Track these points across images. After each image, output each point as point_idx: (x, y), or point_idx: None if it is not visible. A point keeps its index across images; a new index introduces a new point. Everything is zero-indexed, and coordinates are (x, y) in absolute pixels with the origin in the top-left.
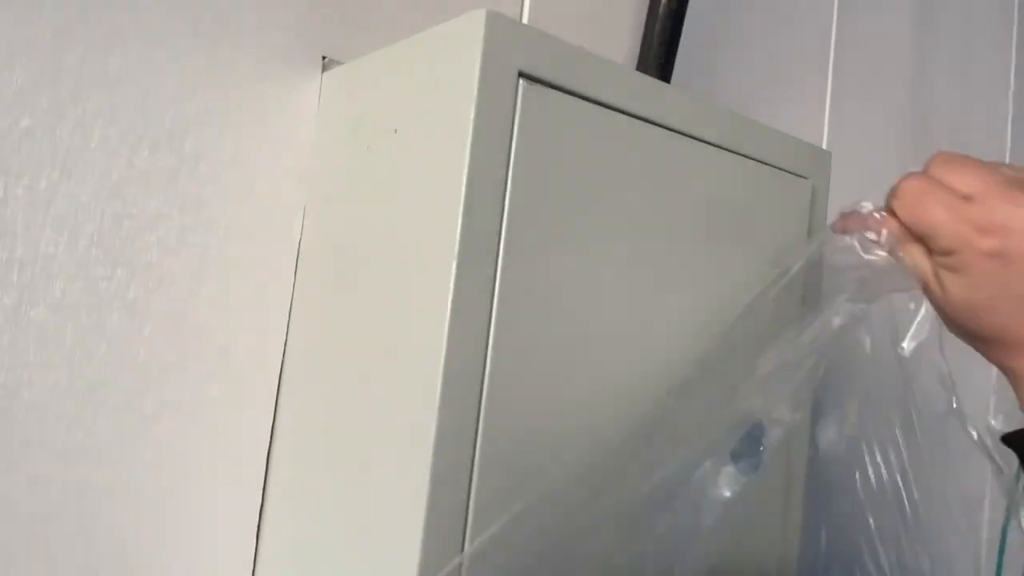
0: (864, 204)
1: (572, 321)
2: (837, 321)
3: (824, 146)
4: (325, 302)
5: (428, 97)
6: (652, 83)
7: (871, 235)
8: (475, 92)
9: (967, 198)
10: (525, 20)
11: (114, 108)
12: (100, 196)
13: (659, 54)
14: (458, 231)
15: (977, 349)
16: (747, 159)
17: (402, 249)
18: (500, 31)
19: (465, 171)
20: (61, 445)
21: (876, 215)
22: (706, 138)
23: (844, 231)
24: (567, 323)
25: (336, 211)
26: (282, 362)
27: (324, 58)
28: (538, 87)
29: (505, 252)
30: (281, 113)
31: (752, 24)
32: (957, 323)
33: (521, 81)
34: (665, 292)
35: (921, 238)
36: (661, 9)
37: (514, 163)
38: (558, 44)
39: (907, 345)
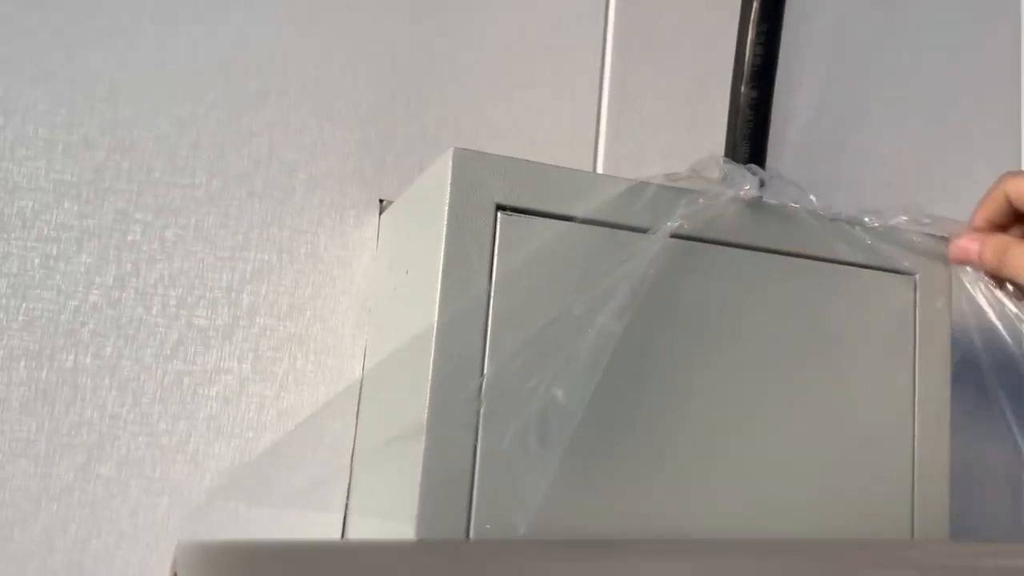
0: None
1: None
2: None
3: None
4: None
5: (423, 237)
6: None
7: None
8: (444, 230)
9: None
10: (603, 131)
11: (172, 275)
12: (161, 356)
13: (744, 150)
14: (429, 372)
15: None
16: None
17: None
18: (470, 166)
19: (436, 306)
20: None
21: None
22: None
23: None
24: None
25: (381, 352)
26: (345, 509)
27: (382, 201)
28: (518, 217)
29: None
30: (338, 258)
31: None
32: None
33: (499, 214)
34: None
35: None
36: (742, 100)
37: (496, 294)
38: (539, 170)
39: None
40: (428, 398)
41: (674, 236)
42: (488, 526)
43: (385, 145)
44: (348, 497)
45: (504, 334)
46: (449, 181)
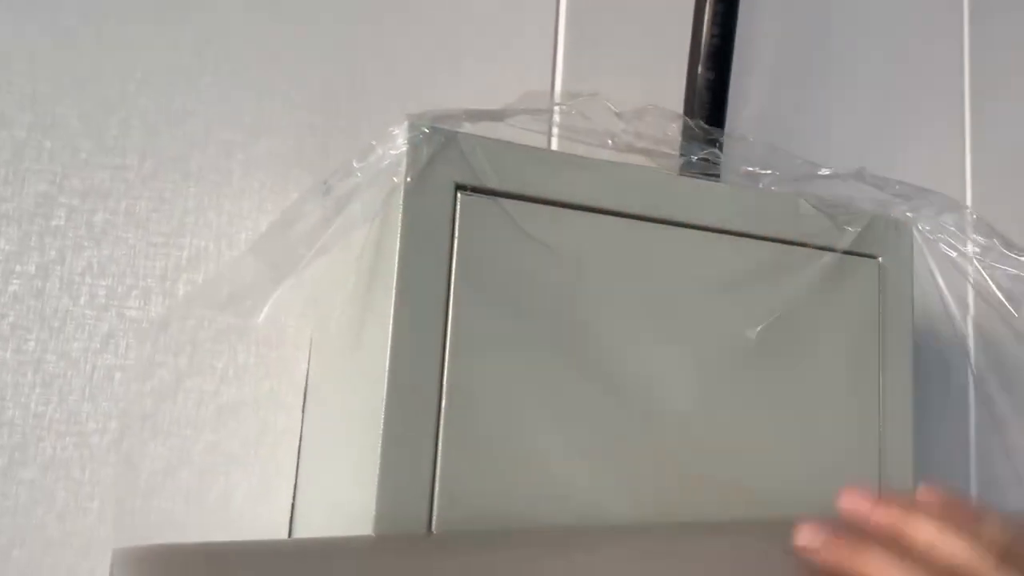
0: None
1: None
2: None
3: (968, 191)
4: (317, 428)
5: (376, 219)
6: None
7: None
8: (400, 212)
9: None
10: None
11: (102, 263)
12: (90, 350)
13: (705, 99)
14: (387, 364)
15: None
16: (771, 241)
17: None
18: (428, 142)
19: (393, 294)
20: None
21: None
22: (700, 223)
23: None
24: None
25: (328, 344)
26: (292, 509)
27: (324, 182)
28: (479, 198)
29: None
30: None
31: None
32: None
33: (459, 194)
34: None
35: None
36: (699, 81)
37: (457, 276)
38: (502, 149)
39: None
40: (385, 391)
41: (632, 216)
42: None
43: (329, 125)
44: (294, 496)
45: (466, 323)
46: (405, 158)
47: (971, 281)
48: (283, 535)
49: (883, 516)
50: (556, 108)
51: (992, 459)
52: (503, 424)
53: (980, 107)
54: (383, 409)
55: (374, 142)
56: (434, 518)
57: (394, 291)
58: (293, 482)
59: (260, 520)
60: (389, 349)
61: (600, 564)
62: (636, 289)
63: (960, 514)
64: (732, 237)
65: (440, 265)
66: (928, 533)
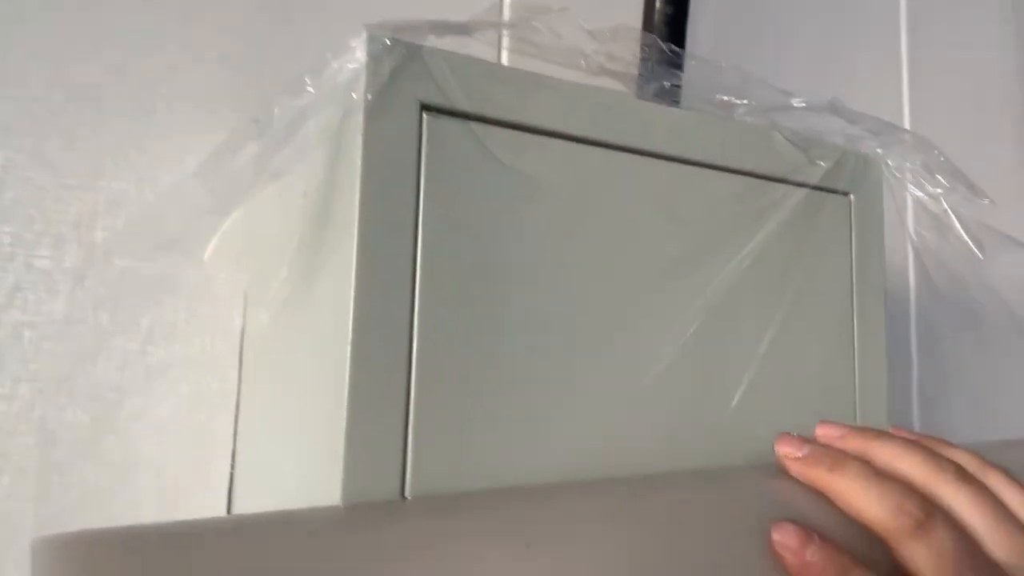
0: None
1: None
2: None
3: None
4: (259, 391)
5: (327, 148)
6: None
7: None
8: (360, 135)
9: None
10: (505, 44)
11: (5, 208)
12: None
13: (664, 34)
14: (350, 315)
15: None
16: (743, 175)
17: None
18: (389, 56)
19: (356, 223)
20: None
21: None
22: (670, 153)
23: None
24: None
25: (269, 295)
26: (230, 482)
27: (256, 121)
28: (447, 119)
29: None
30: (209, 188)
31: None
32: None
33: (424, 114)
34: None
35: None
36: (656, 15)
37: (425, 211)
38: (472, 66)
39: None
40: (350, 347)
41: (607, 145)
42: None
43: (261, 57)
44: (233, 466)
45: (437, 267)
46: (365, 72)
47: (934, 223)
48: (222, 508)
49: (853, 441)
50: (523, 24)
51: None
52: (479, 378)
53: (916, 32)
54: (348, 367)
55: (329, 55)
56: (407, 484)
57: (356, 230)
58: (231, 451)
59: (196, 493)
60: (353, 300)
61: (584, 514)
62: (610, 222)
63: (926, 440)
64: (705, 169)
65: (407, 199)
66: (892, 451)
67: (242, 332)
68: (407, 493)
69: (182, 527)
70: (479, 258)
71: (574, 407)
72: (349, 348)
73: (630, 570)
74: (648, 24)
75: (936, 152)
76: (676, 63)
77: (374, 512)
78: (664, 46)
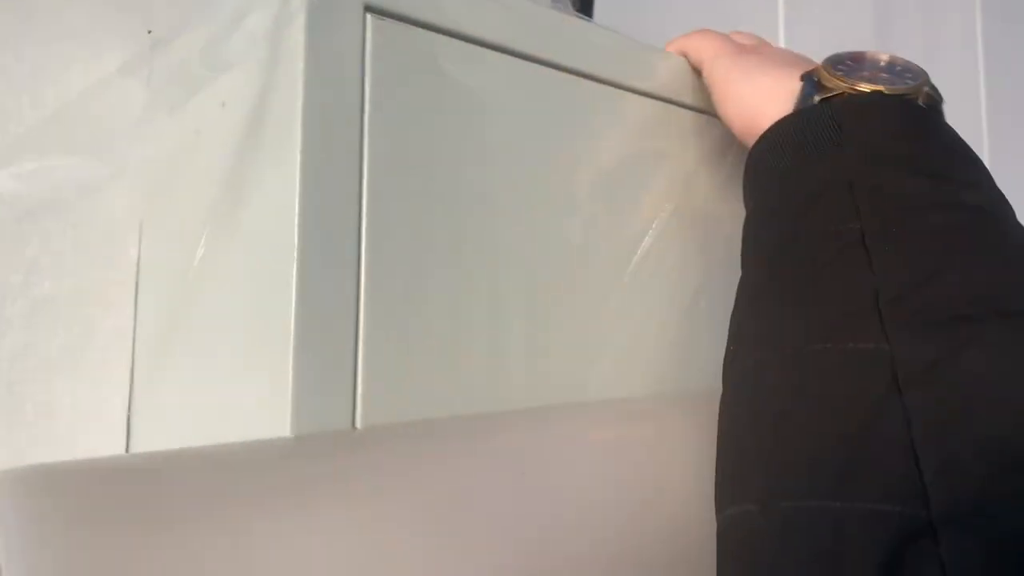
0: None
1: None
2: None
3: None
4: (169, 325)
5: (256, 56)
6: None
7: None
8: (302, 36)
9: None
10: None
11: None
12: None
13: None
14: (296, 199)
15: None
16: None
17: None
18: None
19: (299, 131)
20: None
21: None
22: (605, 76)
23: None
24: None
25: (175, 219)
26: (128, 417)
27: (150, 32)
28: (391, 23)
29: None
30: (96, 106)
31: None
32: None
33: (368, 16)
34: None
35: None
36: None
37: (370, 125)
38: None
39: None
40: (295, 271)
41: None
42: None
43: None
44: (130, 405)
45: (384, 189)
46: None
47: None
48: (120, 449)
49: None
50: None
51: None
52: (425, 303)
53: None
54: (293, 298)
55: None
56: (357, 413)
57: (299, 149)
58: (128, 391)
59: (90, 437)
60: (297, 227)
61: (534, 445)
62: (556, 142)
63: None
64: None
65: (351, 112)
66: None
67: (136, 263)
68: (358, 424)
69: (142, 460)
70: (428, 177)
71: (529, 333)
72: (295, 272)
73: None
74: None
75: None
76: None
77: (328, 441)
78: None
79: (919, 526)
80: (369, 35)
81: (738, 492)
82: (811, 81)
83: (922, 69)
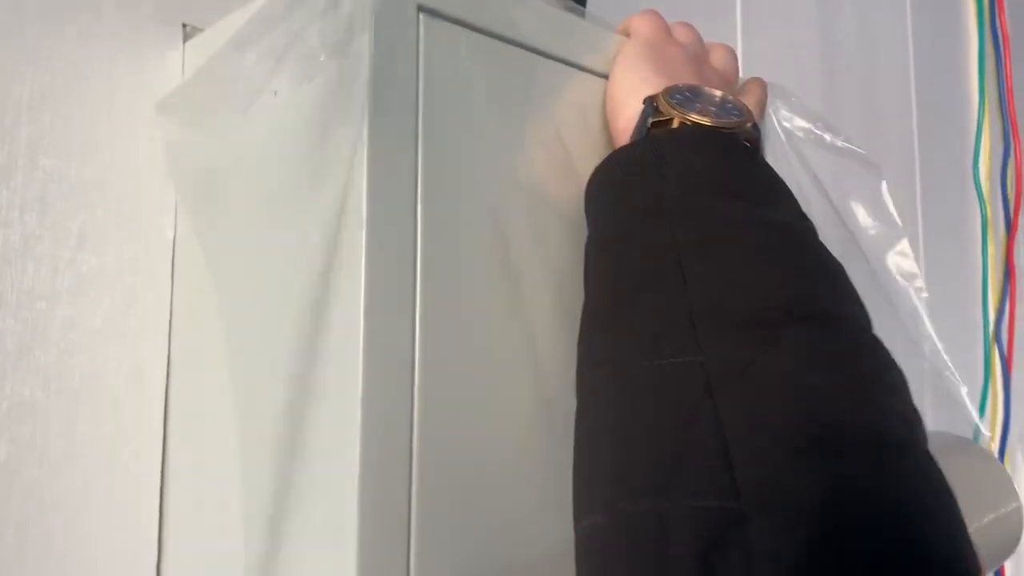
0: None
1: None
2: None
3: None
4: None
5: (312, 39)
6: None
7: None
8: (371, 31)
9: None
10: None
11: None
12: None
13: None
14: (364, 191)
15: None
16: None
17: (301, 232)
18: None
19: (366, 126)
20: None
21: None
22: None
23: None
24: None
25: (216, 199)
26: (167, 389)
27: (185, 26)
28: (444, 24)
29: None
30: (137, 94)
31: None
32: None
33: (421, 16)
34: None
35: None
36: None
37: (424, 118)
38: None
39: None
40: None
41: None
42: None
43: None
44: (168, 379)
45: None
46: None
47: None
48: (159, 415)
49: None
50: None
51: None
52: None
53: None
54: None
55: None
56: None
57: (367, 126)
58: (166, 359)
59: (132, 403)
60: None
61: None
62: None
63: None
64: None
65: (408, 112)
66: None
67: (173, 242)
68: None
69: None
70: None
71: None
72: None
73: None
74: None
75: (794, 97)
76: None
77: None
78: None
79: (734, 517)
80: (422, 37)
81: (585, 504)
82: (651, 106)
83: (749, 109)
